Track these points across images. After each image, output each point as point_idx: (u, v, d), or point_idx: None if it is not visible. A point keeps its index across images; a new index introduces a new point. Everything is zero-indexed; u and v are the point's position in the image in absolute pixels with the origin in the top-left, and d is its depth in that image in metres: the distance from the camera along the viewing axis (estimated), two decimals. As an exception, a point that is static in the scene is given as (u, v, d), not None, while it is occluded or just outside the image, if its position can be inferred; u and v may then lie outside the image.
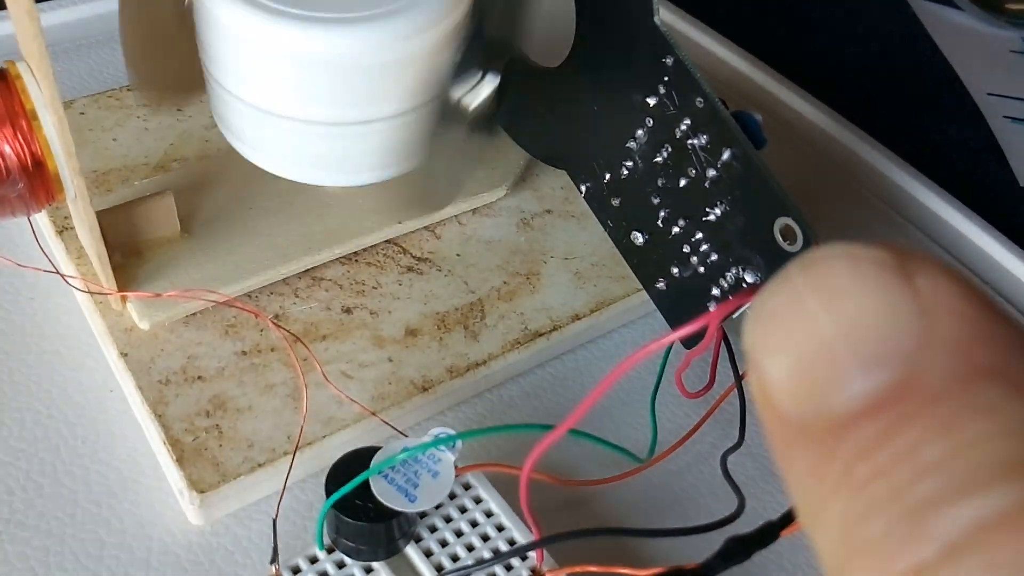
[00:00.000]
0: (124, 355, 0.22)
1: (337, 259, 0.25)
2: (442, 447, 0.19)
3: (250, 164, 0.22)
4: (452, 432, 0.18)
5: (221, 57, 0.20)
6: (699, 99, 0.22)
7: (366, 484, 0.18)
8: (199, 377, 0.22)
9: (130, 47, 0.22)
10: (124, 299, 0.22)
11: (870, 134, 0.34)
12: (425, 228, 0.26)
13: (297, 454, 0.20)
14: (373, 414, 0.21)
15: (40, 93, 0.19)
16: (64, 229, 0.24)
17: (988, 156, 0.36)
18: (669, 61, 0.22)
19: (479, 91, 0.23)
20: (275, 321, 0.23)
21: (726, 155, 0.21)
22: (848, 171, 0.33)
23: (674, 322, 0.24)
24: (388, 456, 0.18)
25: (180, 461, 0.20)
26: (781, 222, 0.21)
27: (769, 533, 0.15)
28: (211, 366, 0.22)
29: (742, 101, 0.35)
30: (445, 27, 0.20)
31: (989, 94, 0.39)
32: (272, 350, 0.23)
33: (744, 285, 0.22)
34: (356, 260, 0.25)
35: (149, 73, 0.23)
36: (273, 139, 0.21)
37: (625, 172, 0.24)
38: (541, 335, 0.24)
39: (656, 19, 0.22)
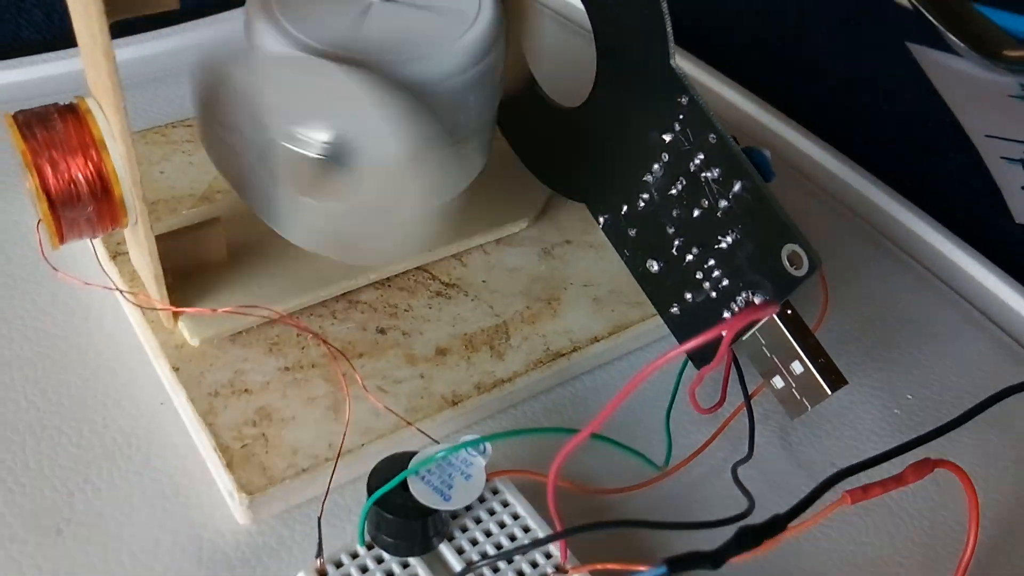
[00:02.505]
0: (176, 369, 0.24)
1: (372, 284, 0.27)
2: (473, 452, 0.20)
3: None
4: (483, 441, 0.20)
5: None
6: (712, 135, 0.23)
7: (404, 484, 0.19)
8: (246, 390, 0.23)
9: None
10: (176, 317, 0.24)
11: (873, 173, 0.36)
12: (452, 256, 0.28)
13: (338, 461, 0.22)
14: (409, 424, 0.23)
15: (108, 125, 0.21)
16: (117, 255, 0.26)
17: (986, 195, 0.38)
18: (684, 100, 0.24)
19: None
20: (314, 342, 0.25)
21: (737, 187, 0.23)
22: (852, 208, 0.35)
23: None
24: (425, 458, 0.19)
25: (230, 465, 0.22)
26: (788, 248, 0.22)
27: (778, 524, 0.16)
28: (257, 380, 0.24)
29: (751, 141, 0.37)
30: (485, 66, 0.22)
31: (987, 136, 0.41)
32: (313, 366, 0.24)
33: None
34: (389, 285, 0.27)
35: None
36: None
37: (642, 204, 0.26)
38: (562, 355, 0.26)
39: (672, 62, 0.24)
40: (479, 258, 0.28)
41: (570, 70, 0.28)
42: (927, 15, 0.48)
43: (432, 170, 0.23)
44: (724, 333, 0.19)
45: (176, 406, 0.24)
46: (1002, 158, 0.40)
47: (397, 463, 0.20)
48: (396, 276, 0.27)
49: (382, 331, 0.26)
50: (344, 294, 0.26)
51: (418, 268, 0.27)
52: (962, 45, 0.47)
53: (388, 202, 0.23)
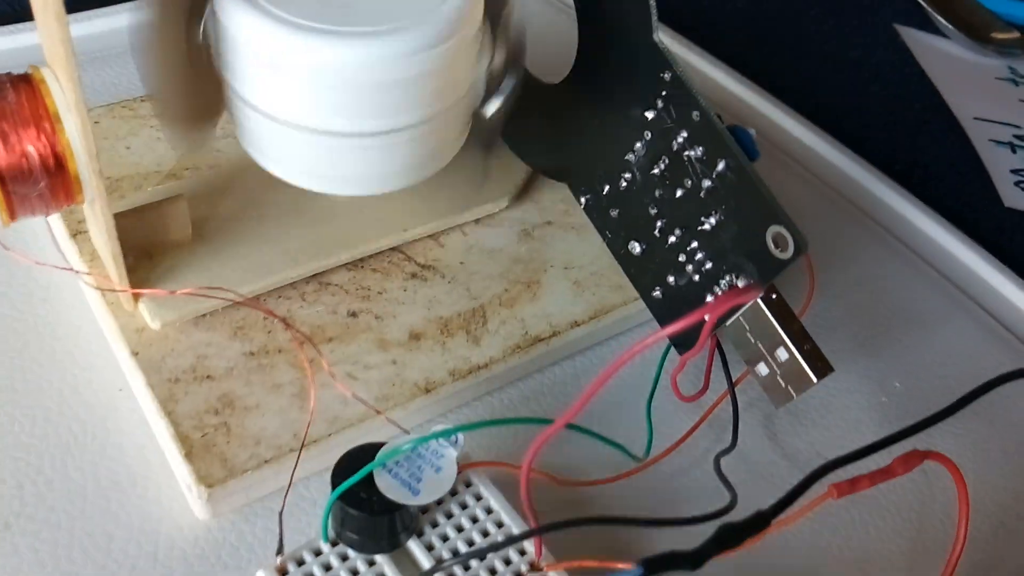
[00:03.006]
0: (135, 354, 0.22)
1: (344, 265, 0.25)
2: (445, 443, 0.19)
3: (259, 172, 0.23)
4: (455, 430, 0.19)
5: (239, 68, 0.21)
6: (696, 112, 0.22)
7: (370, 478, 0.18)
8: (208, 376, 0.22)
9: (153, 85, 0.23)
10: (136, 299, 0.23)
11: (861, 155, 0.35)
12: (429, 237, 0.27)
13: (303, 452, 0.21)
14: (379, 412, 0.22)
15: (64, 96, 0.19)
16: (77, 233, 0.25)
17: (975, 178, 0.37)
18: (667, 76, 0.23)
19: (491, 104, 0.24)
20: (284, 321, 0.24)
21: (721, 166, 0.22)
22: (839, 190, 0.34)
23: (670, 330, 0.25)
24: (392, 450, 0.18)
25: (189, 456, 0.21)
26: (773, 230, 0.22)
27: (760, 521, 0.15)
28: (220, 366, 0.23)
29: (736, 120, 0.36)
30: (459, 40, 0.21)
31: (975, 118, 0.40)
32: (279, 351, 0.23)
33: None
34: (362, 266, 0.26)
35: (173, 108, 0.24)
36: (288, 149, 0.22)
37: (624, 184, 0.25)
38: (541, 340, 0.25)
39: (655, 36, 0.23)
40: (457, 239, 0.27)
41: (551, 44, 0.27)
42: (917, -4, 0.47)
43: (404, 149, 0.22)
44: (707, 317, 0.18)
45: (135, 393, 0.23)
46: (990, 140, 0.39)
47: (363, 455, 0.19)
48: (370, 257, 0.26)
49: (353, 314, 0.25)
50: (315, 275, 0.25)
51: (393, 249, 0.26)
52: (951, 27, 0.46)
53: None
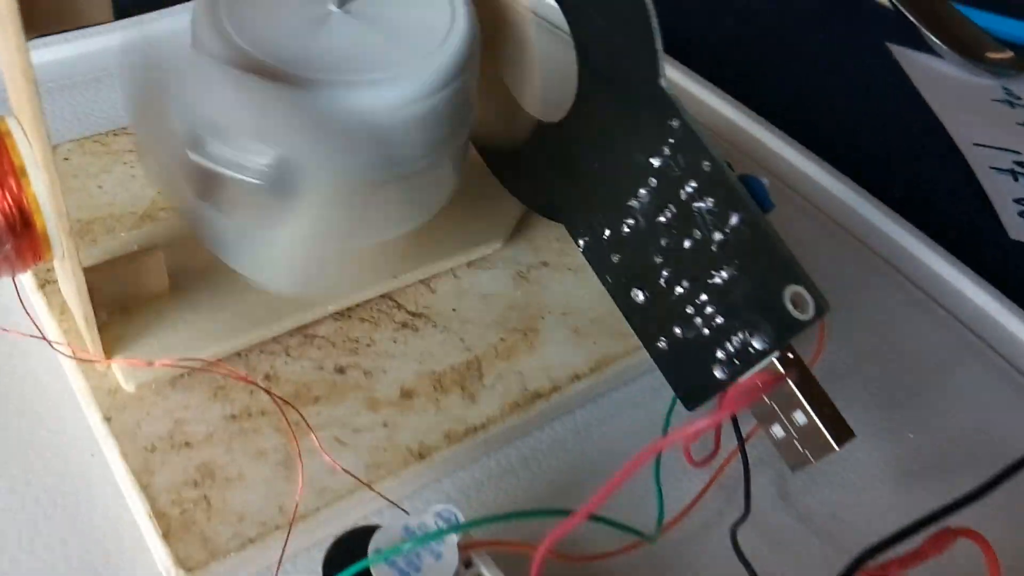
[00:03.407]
0: (108, 419, 0.21)
1: (330, 315, 0.24)
2: (444, 523, 0.18)
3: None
4: (457, 513, 0.17)
5: (218, 108, 0.19)
6: (706, 163, 0.21)
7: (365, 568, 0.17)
8: (186, 443, 0.21)
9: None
10: (109, 355, 0.21)
11: (856, 181, 0.34)
12: (420, 282, 0.26)
13: (291, 529, 0.19)
14: (368, 486, 0.20)
15: (31, 151, 0.18)
16: (46, 283, 0.23)
17: (978, 208, 0.36)
18: (675, 123, 0.22)
19: None
20: (265, 384, 0.22)
21: (734, 219, 0.21)
22: (840, 223, 0.33)
23: (676, 383, 0.24)
24: (389, 541, 0.17)
25: (167, 536, 0.19)
26: (791, 290, 0.20)
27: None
28: (199, 431, 0.21)
29: (727, 144, 0.35)
30: (458, 86, 0.20)
31: (975, 144, 0.40)
32: (263, 414, 0.22)
33: (751, 350, 0.21)
34: (350, 316, 0.24)
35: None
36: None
37: (626, 230, 0.24)
38: (540, 397, 0.24)
39: (662, 81, 0.21)
40: (449, 283, 0.26)
41: (549, 79, 0.25)
42: (908, 16, 0.46)
43: (392, 200, 0.21)
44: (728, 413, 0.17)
45: (108, 460, 0.21)
46: (991, 168, 0.38)
47: (356, 541, 0.17)
48: (357, 306, 0.25)
49: (341, 370, 0.23)
50: (299, 328, 0.24)
51: (382, 296, 0.25)
52: (944, 47, 0.45)
53: (338, 233, 0.21)
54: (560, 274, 0.27)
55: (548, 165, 0.26)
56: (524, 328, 0.25)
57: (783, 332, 0.21)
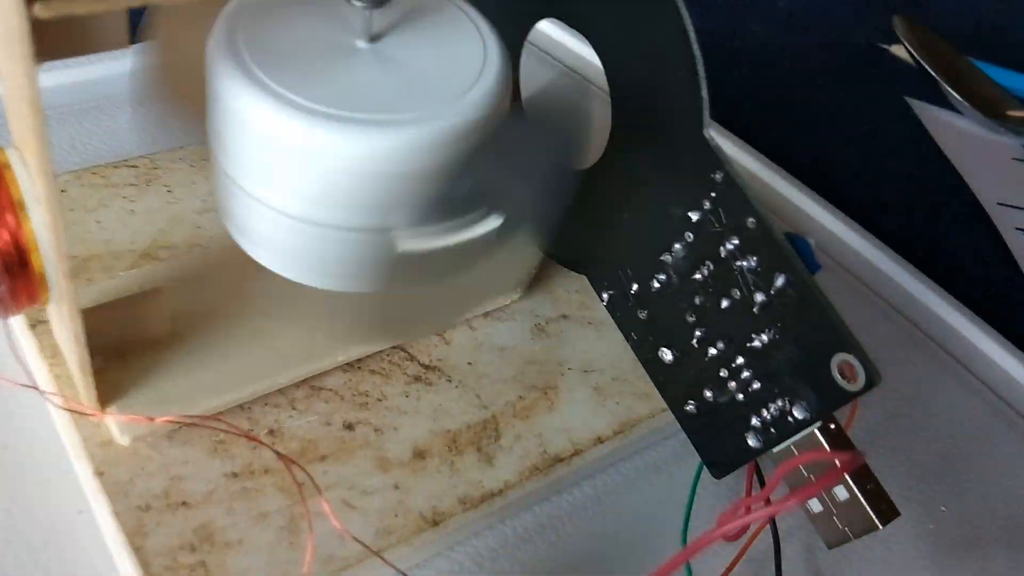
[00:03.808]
0: (100, 474, 0.19)
1: (339, 366, 0.23)
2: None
3: (246, 257, 0.20)
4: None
5: (242, 154, 0.18)
6: (751, 219, 0.20)
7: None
8: (184, 503, 0.19)
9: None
10: (103, 404, 0.20)
11: (882, 240, 0.33)
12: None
13: (293, 600, 0.18)
14: (378, 555, 0.19)
15: (32, 185, 0.16)
16: (37, 323, 0.22)
17: (1007, 272, 0.35)
18: (718, 176, 0.20)
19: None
20: (269, 440, 0.21)
21: (780, 281, 0.20)
22: (868, 284, 0.32)
23: (704, 449, 0.22)
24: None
25: (160, 607, 0.18)
26: (840, 358, 0.19)
27: None
28: (198, 489, 0.20)
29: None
30: (485, 131, 0.19)
31: (999, 204, 0.39)
32: (266, 471, 0.20)
33: (791, 420, 0.20)
34: (359, 367, 0.23)
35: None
36: (281, 238, 0.19)
37: (657, 285, 0.23)
38: (561, 461, 0.22)
39: (706, 132, 0.20)
40: (464, 334, 0.25)
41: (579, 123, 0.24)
42: (929, 70, 0.45)
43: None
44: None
45: (98, 518, 0.20)
46: (1017, 229, 0.37)
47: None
48: (368, 357, 0.23)
49: (350, 426, 0.22)
50: (306, 379, 0.22)
51: (394, 347, 0.24)
52: (964, 103, 0.44)
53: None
54: (581, 328, 0.26)
55: (573, 214, 0.24)
56: (543, 385, 0.24)
57: (828, 402, 0.19)
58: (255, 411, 0.21)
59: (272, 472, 0.20)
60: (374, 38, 0.19)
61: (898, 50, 0.48)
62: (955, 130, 0.44)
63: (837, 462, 0.19)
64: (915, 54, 0.46)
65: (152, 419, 0.19)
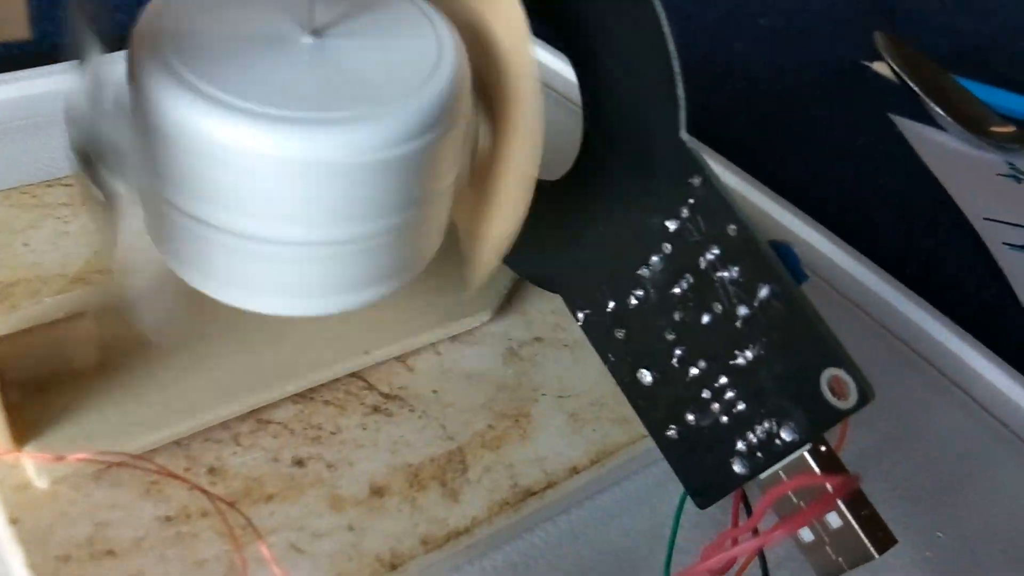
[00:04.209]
0: (14, 521, 0.17)
1: (288, 397, 0.21)
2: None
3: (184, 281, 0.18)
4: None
5: (156, 153, 0.16)
6: (732, 226, 0.18)
7: None
8: (109, 551, 0.17)
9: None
10: (18, 443, 0.18)
11: (870, 257, 0.32)
12: (396, 359, 0.22)
13: (230, 658, 0.16)
14: (330, 606, 0.17)
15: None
16: (-50, 352, 0.20)
17: (995, 288, 0.34)
18: (696, 181, 0.19)
19: None
20: (209, 479, 0.19)
21: (764, 292, 0.18)
22: (856, 302, 0.31)
23: (687, 477, 0.20)
24: None
25: (76, 672, 0.15)
26: (830, 373, 0.17)
27: None
28: (126, 536, 0.18)
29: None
30: (443, 131, 0.17)
31: (986, 219, 0.37)
32: (204, 515, 0.18)
33: (779, 443, 0.18)
34: (312, 398, 0.21)
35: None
36: (219, 259, 0.17)
37: (634, 302, 0.21)
38: (533, 494, 0.20)
39: (683, 134, 0.19)
40: (430, 360, 0.23)
41: (549, 134, 0.23)
42: (912, 87, 0.44)
43: (361, 259, 0.18)
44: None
45: (11, 572, 0.18)
46: (1004, 244, 0.36)
47: None
48: (321, 386, 0.21)
49: (300, 462, 0.20)
50: (252, 412, 0.20)
51: (351, 375, 0.22)
52: (948, 119, 0.43)
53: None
54: (555, 351, 0.24)
55: (544, 228, 0.23)
56: (515, 413, 0.22)
57: (818, 422, 0.18)
58: (194, 447, 0.19)
59: (210, 515, 0.18)
60: (318, 32, 0.17)
61: (880, 67, 0.47)
62: (939, 146, 0.43)
63: (829, 486, 0.18)
64: (898, 71, 0.45)
65: (62, 458, 0.17)
